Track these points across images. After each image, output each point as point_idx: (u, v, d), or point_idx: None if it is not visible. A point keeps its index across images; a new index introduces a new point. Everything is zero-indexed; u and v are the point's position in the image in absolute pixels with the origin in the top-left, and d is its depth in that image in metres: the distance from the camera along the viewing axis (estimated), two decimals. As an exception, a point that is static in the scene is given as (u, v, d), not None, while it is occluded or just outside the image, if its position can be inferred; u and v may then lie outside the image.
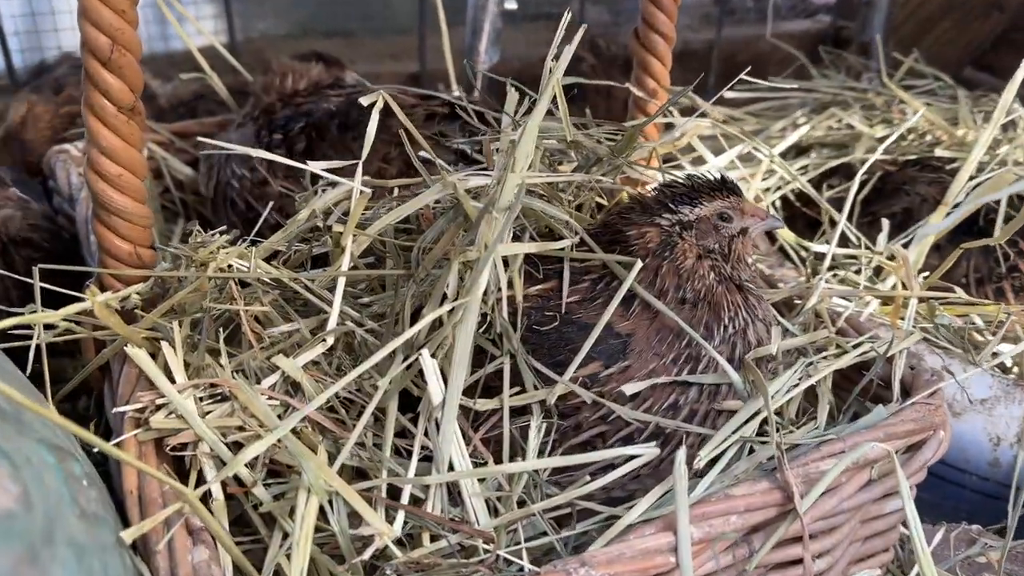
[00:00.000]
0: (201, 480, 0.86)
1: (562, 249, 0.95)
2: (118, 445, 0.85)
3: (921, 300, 1.21)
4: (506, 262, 0.91)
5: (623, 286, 0.92)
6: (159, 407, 0.87)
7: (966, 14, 2.50)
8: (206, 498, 0.83)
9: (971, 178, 1.43)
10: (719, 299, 0.96)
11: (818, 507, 0.85)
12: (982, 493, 1.23)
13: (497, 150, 1.06)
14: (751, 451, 0.92)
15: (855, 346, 1.03)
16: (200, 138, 1.04)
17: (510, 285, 0.90)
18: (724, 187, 1.00)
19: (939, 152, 1.59)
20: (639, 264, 0.93)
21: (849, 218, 1.44)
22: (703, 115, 1.28)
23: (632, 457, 0.86)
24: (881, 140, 1.65)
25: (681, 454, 0.80)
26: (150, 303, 1.01)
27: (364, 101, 0.98)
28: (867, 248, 1.37)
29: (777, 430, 0.89)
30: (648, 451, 0.83)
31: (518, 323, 0.92)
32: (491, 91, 1.40)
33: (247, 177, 1.42)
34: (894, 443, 0.91)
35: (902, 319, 1.19)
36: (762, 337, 0.99)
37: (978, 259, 1.44)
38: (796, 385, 0.96)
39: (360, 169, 0.97)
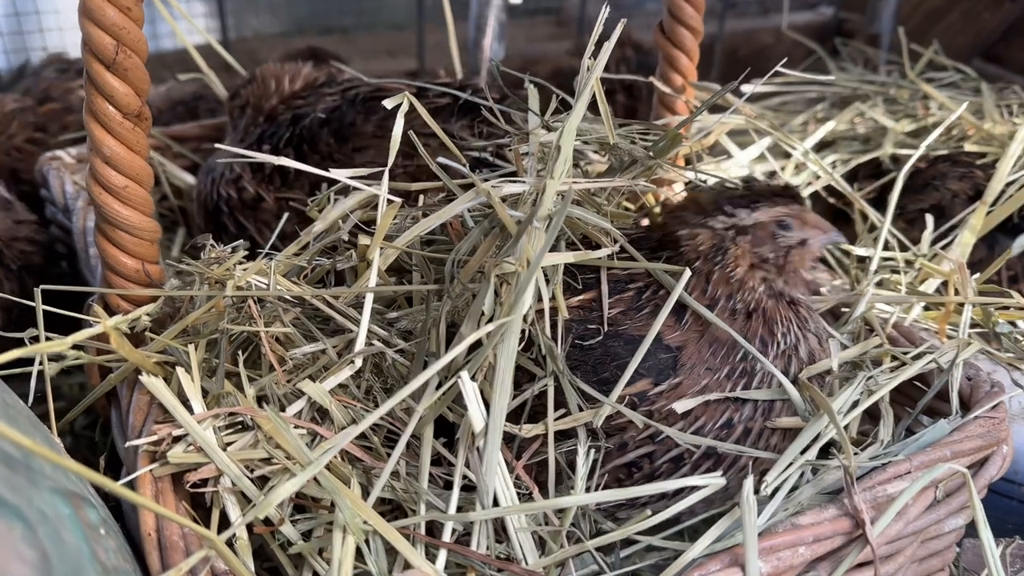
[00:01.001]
0: (224, 516, 0.79)
1: (607, 258, 0.89)
2: (131, 483, 0.78)
3: (974, 305, 1.16)
4: (545, 274, 0.85)
5: (671, 296, 0.86)
6: (176, 439, 0.80)
7: (975, 5, 2.45)
8: (230, 536, 0.76)
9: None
10: (772, 313, 0.91)
11: (885, 532, 0.80)
12: (1032, 505, 1.18)
13: (525, 154, 1.00)
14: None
15: (914, 358, 0.97)
16: (218, 145, 0.96)
17: (551, 298, 0.84)
18: (786, 193, 0.94)
19: (968, 147, 1.53)
20: (687, 273, 0.87)
21: (880, 212, 1.39)
22: (731, 111, 1.21)
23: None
24: (908, 135, 1.60)
25: (749, 484, 0.74)
26: (158, 323, 0.94)
27: (388, 104, 0.91)
28: (912, 251, 1.32)
29: (840, 450, 0.83)
30: (713, 481, 0.76)
31: (559, 338, 0.85)
32: (495, 88, 1.32)
33: (235, 197, 1.29)
34: (961, 461, 0.85)
35: (950, 325, 1.13)
36: (815, 351, 0.93)
37: (1011, 257, 1.39)
38: (857, 402, 0.90)
39: (387, 176, 0.90)
